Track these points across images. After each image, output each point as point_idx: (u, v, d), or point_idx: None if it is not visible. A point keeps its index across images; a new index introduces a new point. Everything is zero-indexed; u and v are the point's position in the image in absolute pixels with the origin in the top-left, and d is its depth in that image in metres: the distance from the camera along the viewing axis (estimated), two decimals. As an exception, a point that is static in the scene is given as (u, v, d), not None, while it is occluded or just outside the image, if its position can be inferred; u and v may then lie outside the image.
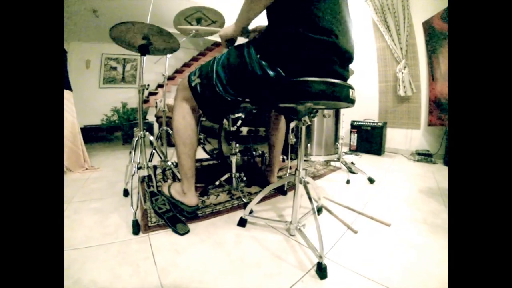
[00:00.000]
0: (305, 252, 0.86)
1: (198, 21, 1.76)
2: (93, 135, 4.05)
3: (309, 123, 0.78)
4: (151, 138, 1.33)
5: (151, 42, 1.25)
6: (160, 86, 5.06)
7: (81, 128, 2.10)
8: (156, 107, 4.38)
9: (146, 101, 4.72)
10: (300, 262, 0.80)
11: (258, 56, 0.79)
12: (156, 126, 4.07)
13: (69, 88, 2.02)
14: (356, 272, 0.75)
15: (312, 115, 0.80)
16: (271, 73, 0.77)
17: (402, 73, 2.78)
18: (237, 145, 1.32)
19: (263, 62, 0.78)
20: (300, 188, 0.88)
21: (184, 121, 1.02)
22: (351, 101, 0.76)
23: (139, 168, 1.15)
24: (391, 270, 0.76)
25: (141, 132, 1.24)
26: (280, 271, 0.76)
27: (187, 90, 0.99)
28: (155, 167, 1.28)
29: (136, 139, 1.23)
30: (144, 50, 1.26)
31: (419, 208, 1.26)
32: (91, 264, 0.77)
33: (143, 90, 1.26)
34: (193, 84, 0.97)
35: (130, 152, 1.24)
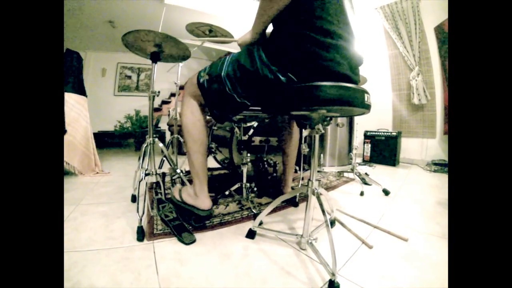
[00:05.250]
0: (317, 268, 0.80)
1: (210, 30, 1.81)
2: (107, 141, 4.16)
3: (322, 131, 0.74)
4: (161, 145, 1.33)
5: (162, 49, 1.26)
6: (173, 95, 5.19)
7: (95, 134, 2.15)
8: (168, 115, 4.47)
9: (158, 109, 4.83)
10: (310, 279, 0.74)
11: (268, 60, 0.77)
12: (168, 134, 4.13)
13: (84, 94, 2.08)
14: (373, 292, 0.69)
15: (325, 123, 0.76)
16: (282, 78, 0.75)
17: (416, 80, 2.70)
18: (249, 154, 1.29)
19: (273, 68, 0.76)
20: (313, 200, 0.83)
21: (193, 116, 0.99)
22: (367, 107, 0.72)
23: (147, 174, 1.14)
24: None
25: (150, 139, 1.24)
26: (288, 288, 0.70)
27: (194, 86, 0.98)
28: (163, 174, 1.27)
29: (145, 145, 1.23)
30: (155, 57, 1.27)
31: (438, 221, 1.18)
32: (92, 267, 0.75)
33: (154, 96, 1.27)
34: (201, 80, 0.95)
35: (139, 158, 1.24)
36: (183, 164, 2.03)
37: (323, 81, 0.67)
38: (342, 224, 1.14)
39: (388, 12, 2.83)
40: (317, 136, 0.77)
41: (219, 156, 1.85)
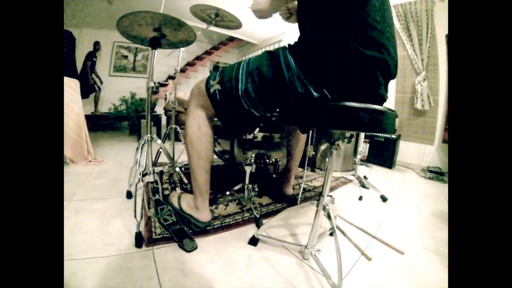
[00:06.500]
0: (319, 280, 0.80)
1: (217, 15, 1.70)
2: (100, 123, 3.99)
3: (341, 148, 0.70)
4: (159, 141, 1.24)
5: (163, 34, 1.12)
6: (170, 77, 4.99)
7: (89, 116, 2.04)
8: (165, 99, 4.29)
9: (155, 92, 4.65)
10: (314, 293, 0.74)
11: (298, 69, 0.67)
12: (164, 119, 3.99)
13: (76, 77, 1.96)
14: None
15: (346, 140, 0.71)
16: (315, 94, 0.66)
17: (421, 85, 2.66)
18: (253, 155, 1.23)
19: (306, 81, 0.66)
20: (321, 215, 0.81)
21: (200, 131, 0.90)
22: (394, 131, 0.67)
23: (144, 175, 1.06)
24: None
25: (148, 135, 1.13)
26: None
27: (203, 96, 0.87)
28: (161, 173, 1.19)
29: (143, 142, 1.12)
30: (155, 43, 1.12)
31: (432, 235, 1.20)
32: (92, 279, 0.71)
33: (152, 89, 1.13)
34: (211, 90, 0.84)
35: (137, 149, 1.14)
36: (181, 154, 1.94)
37: (359, 102, 0.60)
38: (342, 232, 1.13)
39: (401, 12, 2.73)
40: (334, 152, 0.72)
41: (217, 148, 1.78)
